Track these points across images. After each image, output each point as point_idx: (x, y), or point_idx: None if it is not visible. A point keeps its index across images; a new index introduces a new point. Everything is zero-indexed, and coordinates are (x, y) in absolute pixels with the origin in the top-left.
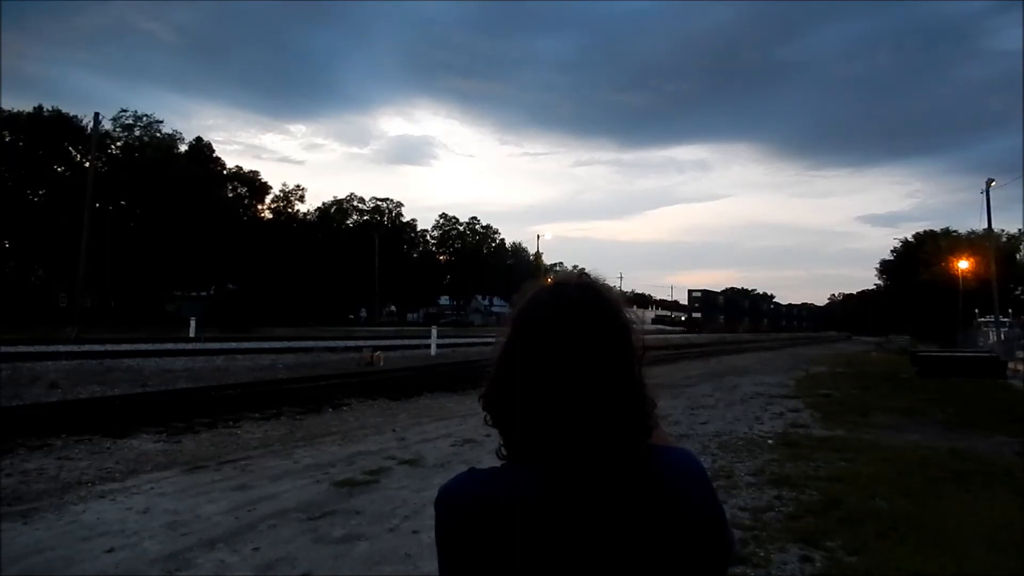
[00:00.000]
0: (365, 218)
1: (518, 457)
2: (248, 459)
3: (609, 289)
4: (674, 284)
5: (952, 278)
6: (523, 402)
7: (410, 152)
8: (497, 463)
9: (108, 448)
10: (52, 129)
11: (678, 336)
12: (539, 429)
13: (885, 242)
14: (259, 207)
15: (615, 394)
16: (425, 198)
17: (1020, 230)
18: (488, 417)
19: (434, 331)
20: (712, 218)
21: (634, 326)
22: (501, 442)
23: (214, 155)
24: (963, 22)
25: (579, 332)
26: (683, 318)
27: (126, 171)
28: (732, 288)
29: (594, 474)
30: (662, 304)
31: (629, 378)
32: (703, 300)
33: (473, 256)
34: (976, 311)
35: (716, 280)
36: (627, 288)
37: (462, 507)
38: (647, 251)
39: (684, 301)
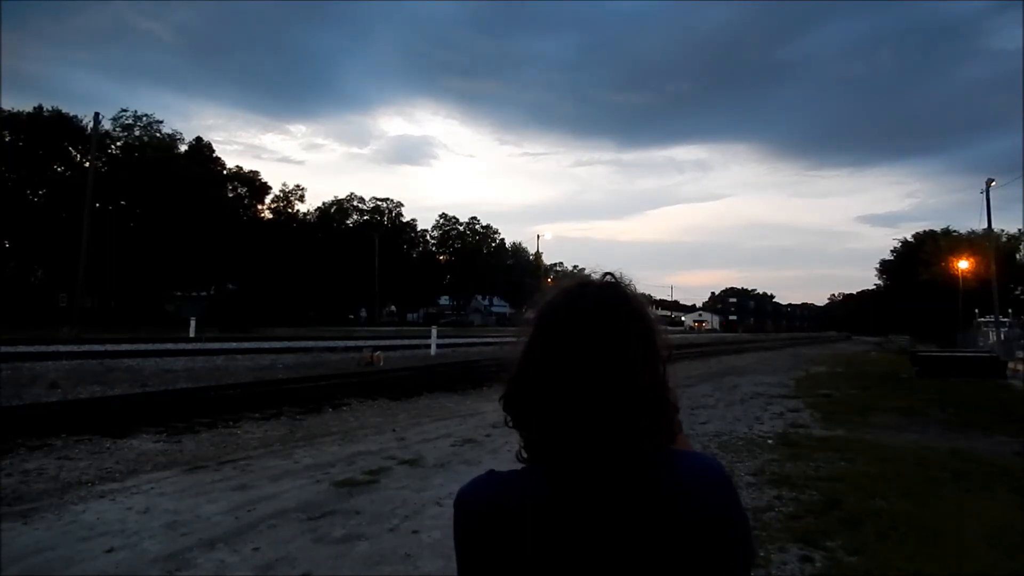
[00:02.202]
0: (365, 218)
1: (536, 459)
2: (248, 459)
3: (634, 290)
4: (674, 284)
5: (952, 278)
6: (543, 403)
7: (410, 152)
8: (513, 464)
9: (108, 448)
10: (52, 129)
11: (678, 336)
12: (556, 430)
13: (885, 242)
14: (259, 207)
15: (636, 396)
16: (425, 198)
17: (1020, 230)
18: (508, 418)
19: (434, 331)
20: (712, 218)
21: (659, 327)
22: (521, 444)
23: (214, 155)
24: (963, 22)
25: (602, 333)
26: (721, 320)
27: (126, 171)
28: (732, 288)
29: (599, 475)
30: (662, 304)
31: (652, 380)
32: (737, 304)
33: (473, 256)
34: (976, 311)
35: (716, 280)
36: None
37: (477, 510)
38: (647, 251)
39: (684, 301)
